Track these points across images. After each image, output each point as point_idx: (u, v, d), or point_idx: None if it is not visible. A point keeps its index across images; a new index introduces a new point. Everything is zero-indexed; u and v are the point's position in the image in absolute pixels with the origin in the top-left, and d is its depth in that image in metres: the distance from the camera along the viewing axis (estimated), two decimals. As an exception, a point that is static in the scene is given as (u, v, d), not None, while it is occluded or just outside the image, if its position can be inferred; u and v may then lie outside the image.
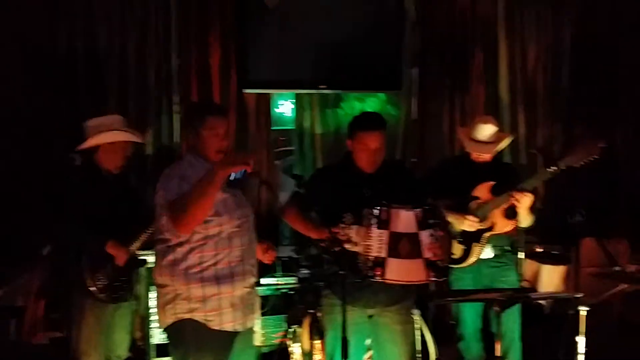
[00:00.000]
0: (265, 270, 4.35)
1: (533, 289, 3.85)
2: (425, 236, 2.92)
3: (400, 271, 2.93)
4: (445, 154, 5.15)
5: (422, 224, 2.94)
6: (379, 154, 3.18)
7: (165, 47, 4.82)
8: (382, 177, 3.21)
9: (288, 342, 4.07)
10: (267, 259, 3.13)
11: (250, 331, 3.02)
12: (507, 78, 5.32)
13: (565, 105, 5.36)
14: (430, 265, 2.91)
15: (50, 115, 3.39)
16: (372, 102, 5.29)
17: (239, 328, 2.88)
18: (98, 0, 4.63)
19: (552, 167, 3.30)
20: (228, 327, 2.84)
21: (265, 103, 5.08)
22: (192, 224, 2.68)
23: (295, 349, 3.96)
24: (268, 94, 5.05)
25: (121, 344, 3.46)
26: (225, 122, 2.94)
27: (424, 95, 5.23)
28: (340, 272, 2.92)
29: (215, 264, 2.81)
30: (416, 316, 4.00)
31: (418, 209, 2.94)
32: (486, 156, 3.79)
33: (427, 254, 2.91)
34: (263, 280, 4.24)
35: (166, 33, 4.82)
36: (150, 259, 4.00)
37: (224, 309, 2.82)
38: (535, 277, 4.78)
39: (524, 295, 2.97)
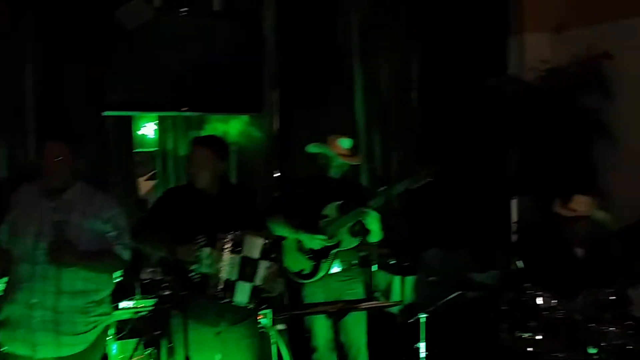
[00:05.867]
0: (123, 293, 4.37)
1: (368, 300, 4.11)
2: (262, 266, 3.15)
3: (244, 294, 3.16)
4: (306, 172, 5.37)
5: (264, 254, 3.16)
6: (200, 168, 3.31)
7: (22, 70, 4.70)
8: (228, 200, 3.36)
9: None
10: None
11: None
12: (363, 101, 5.65)
13: (417, 128, 5.77)
14: (255, 292, 3.15)
15: None
16: (235, 124, 5.43)
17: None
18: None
19: (382, 188, 3.62)
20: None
21: (126, 125, 5.09)
22: None
23: (153, 370, 4.00)
24: (129, 116, 5.06)
25: None
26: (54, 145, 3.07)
27: (285, 116, 5.44)
28: (184, 293, 3.04)
29: None
30: (272, 330, 4.20)
31: (268, 240, 3.16)
32: (353, 160, 4.06)
33: (258, 282, 3.15)
34: (121, 304, 4.25)
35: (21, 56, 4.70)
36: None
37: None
38: (389, 287, 5.11)
39: (351, 306, 3.21)
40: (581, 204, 3.86)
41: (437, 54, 5.71)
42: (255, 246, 3.18)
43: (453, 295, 4.00)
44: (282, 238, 3.95)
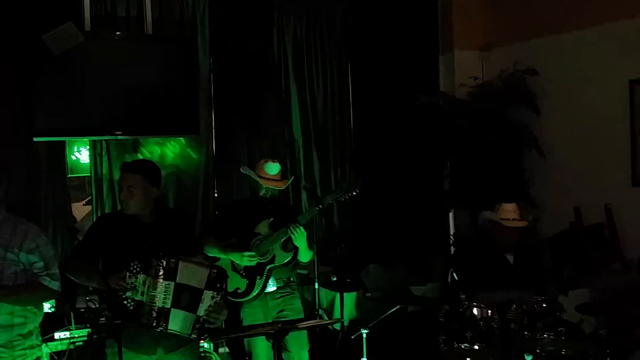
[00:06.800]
0: (59, 324, 4.24)
1: (311, 317, 4.11)
2: (207, 296, 3.08)
3: (179, 322, 3.08)
4: (244, 193, 5.36)
5: (210, 284, 3.10)
6: (130, 194, 3.25)
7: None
8: (162, 226, 3.31)
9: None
10: None
11: None
12: (300, 120, 5.69)
13: (354, 145, 5.86)
14: (197, 323, 3.08)
15: None
16: (172, 147, 5.37)
17: None
18: None
19: (316, 205, 3.67)
20: None
21: (59, 151, 4.98)
22: None
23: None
24: (62, 141, 4.96)
25: None
26: None
27: (222, 138, 5.43)
28: (118, 322, 2.96)
29: None
30: (214, 355, 4.15)
31: (214, 270, 3.11)
32: (277, 185, 4.09)
33: (201, 313, 3.08)
34: (57, 335, 4.12)
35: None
36: None
37: None
38: (332, 304, 5.11)
39: (289, 326, 3.20)
40: (509, 213, 3.97)
41: (370, 73, 5.82)
42: (199, 275, 3.10)
43: (393, 309, 4.03)
44: (221, 258, 3.93)
